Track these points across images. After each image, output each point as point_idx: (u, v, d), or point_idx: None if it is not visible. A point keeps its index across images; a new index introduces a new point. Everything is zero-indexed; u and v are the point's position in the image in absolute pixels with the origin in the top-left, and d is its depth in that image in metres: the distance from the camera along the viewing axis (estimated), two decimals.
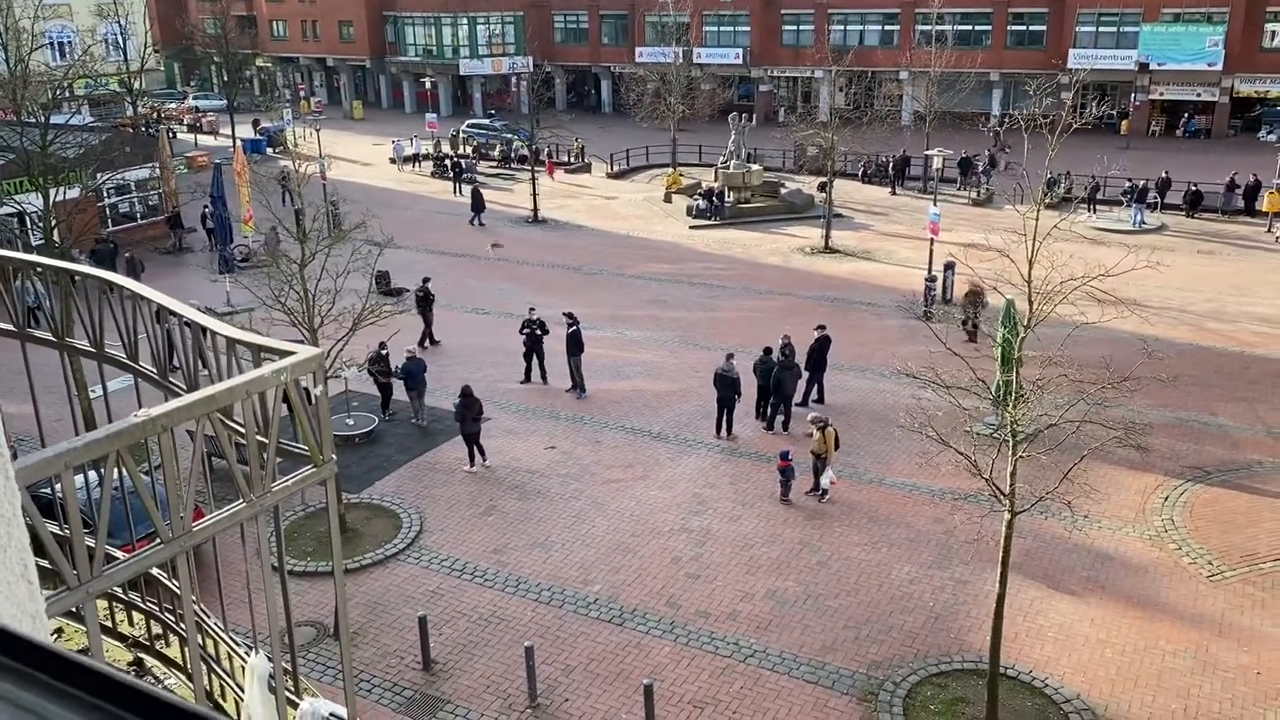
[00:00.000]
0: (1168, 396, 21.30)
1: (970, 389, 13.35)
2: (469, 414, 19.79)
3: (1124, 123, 53.93)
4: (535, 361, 24.19)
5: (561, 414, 22.65)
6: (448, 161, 50.03)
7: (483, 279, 32.05)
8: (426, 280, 27.11)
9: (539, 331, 23.87)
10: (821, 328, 22.81)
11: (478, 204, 40.48)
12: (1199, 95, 54.56)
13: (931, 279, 28.82)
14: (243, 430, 4.44)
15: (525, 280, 32.53)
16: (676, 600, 15.74)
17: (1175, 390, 21.48)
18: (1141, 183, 37.85)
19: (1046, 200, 14.31)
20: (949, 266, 28.57)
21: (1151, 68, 53.79)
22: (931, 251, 29.21)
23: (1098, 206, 38.83)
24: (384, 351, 21.84)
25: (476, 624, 15.35)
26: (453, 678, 14.16)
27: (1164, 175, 39.36)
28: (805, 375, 22.17)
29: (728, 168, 41.38)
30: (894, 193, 44.41)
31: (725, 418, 21.14)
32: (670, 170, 47.08)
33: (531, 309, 24.62)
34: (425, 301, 26.65)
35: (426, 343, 26.17)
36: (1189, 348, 25.39)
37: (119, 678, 1.03)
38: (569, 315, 23.68)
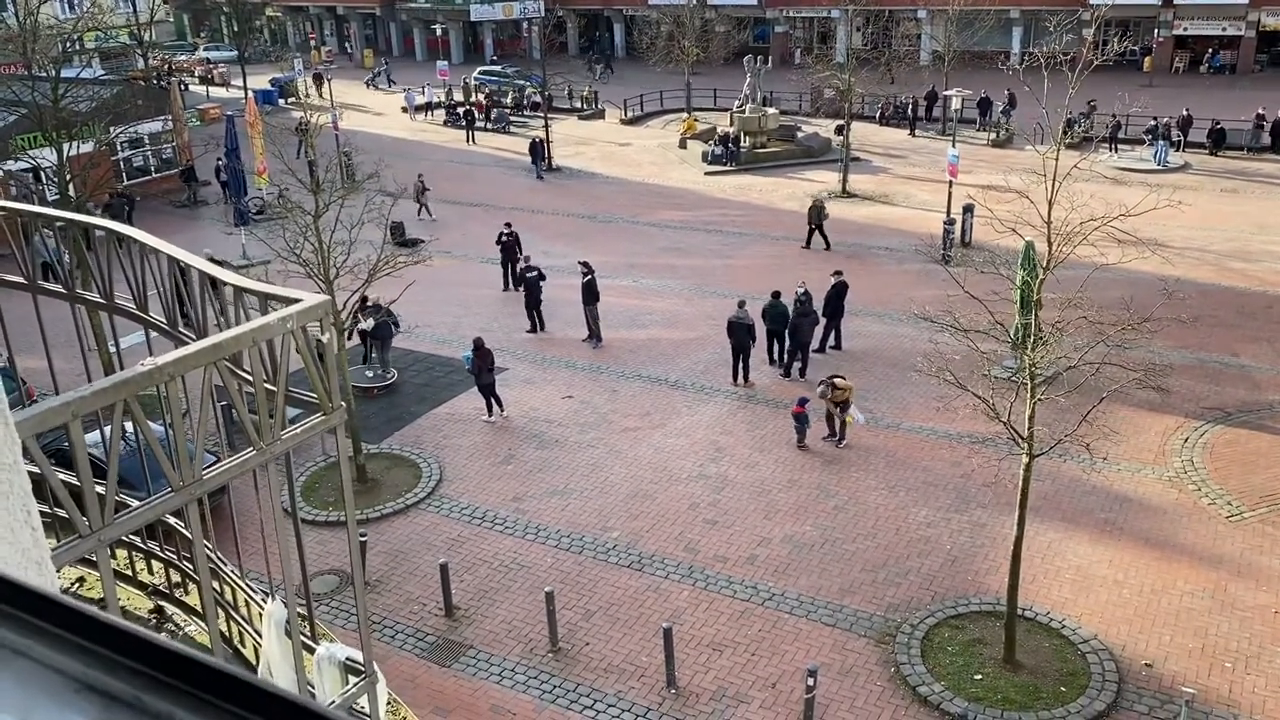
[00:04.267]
0: (1189, 337, 21.12)
1: (988, 332, 13.25)
2: (483, 365, 19.82)
3: (1147, 59, 52.81)
4: (536, 312, 24.38)
5: (578, 363, 22.67)
6: (459, 110, 49.53)
7: (497, 228, 31.86)
8: (508, 225, 27.85)
9: (529, 277, 24.08)
10: (839, 273, 22.65)
11: (537, 154, 39.77)
12: (1224, 30, 53.29)
13: (950, 222, 28.51)
14: (251, 378, 4.44)
15: (539, 229, 32.36)
16: (695, 545, 15.85)
17: (1196, 331, 21.29)
18: (1164, 120, 37.17)
19: (1066, 140, 14.06)
20: (968, 209, 28.26)
21: (1175, 2, 52.55)
22: (950, 194, 28.86)
23: (1119, 145, 38.20)
24: (367, 304, 21.14)
25: (497, 570, 15.52)
26: (474, 623, 14.35)
27: (1185, 113, 38.62)
28: (823, 321, 22.07)
29: (743, 112, 40.86)
30: (913, 134, 43.82)
31: (741, 365, 21.11)
32: (685, 115, 46.55)
33: (527, 257, 24.88)
34: (508, 247, 27.25)
35: (509, 287, 27.10)
36: (1211, 288, 25.09)
37: (103, 617, 1.02)
38: (584, 264, 23.62)
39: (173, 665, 0.97)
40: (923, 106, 44.67)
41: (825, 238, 29.60)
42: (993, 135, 41.45)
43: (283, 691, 0.95)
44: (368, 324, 21.05)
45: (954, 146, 29.50)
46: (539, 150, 39.75)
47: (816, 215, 29.64)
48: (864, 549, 15.61)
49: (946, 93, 33.86)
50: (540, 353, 23.28)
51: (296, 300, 4.34)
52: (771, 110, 42.08)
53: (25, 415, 3.46)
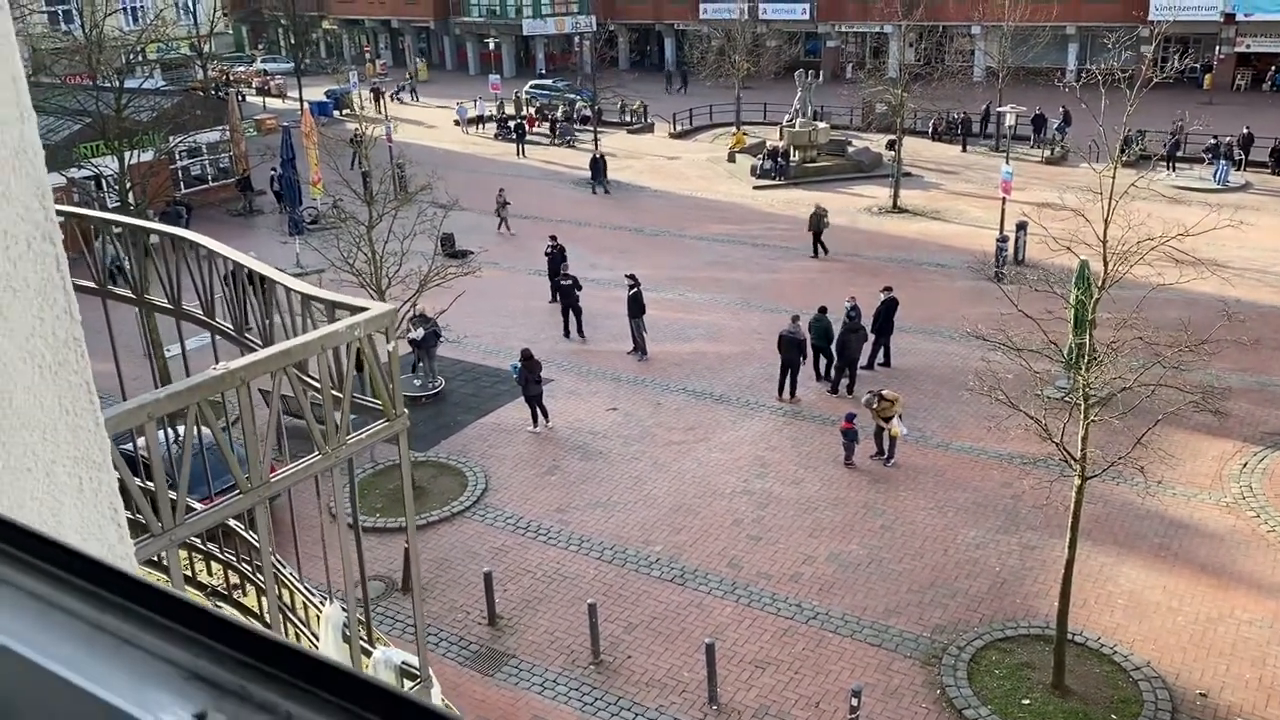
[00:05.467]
0: (1248, 360, 20.68)
1: (1041, 352, 13.10)
2: (530, 376, 19.94)
3: (1207, 77, 51.93)
4: (573, 317, 24.73)
5: (623, 376, 22.72)
6: (510, 124, 49.94)
7: (546, 241, 32.08)
8: (554, 238, 27.83)
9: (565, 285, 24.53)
10: (888, 289, 22.50)
11: (598, 171, 39.61)
12: None
13: (1003, 239, 28.21)
14: (318, 385, 4.52)
15: (587, 241, 32.50)
16: (738, 561, 15.79)
17: (1256, 354, 20.84)
18: (1226, 139, 36.49)
19: (1124, 158, 13.88)
20: (1021, 226, 27.94)
21: (1238, 18, 51.65)
22: (1003, 211, 28.56)
23: (1178, 164, 37.56)
24: (415, 315, 21.37)
25: (540, 581, 15.57)
26: (517, 633, 14.41)
27: (1246, 131, 37.90)
28: (871, 338, 21.92)
29: (793, 126, 40.78)
30: (965, 150, 43.46)
31: (789, 380, 21.02)
32: (734, 130, 46.56)
33: (565, 266, 25.32)
34: (556, 259, 27.15)
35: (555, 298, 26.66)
36: (1272, 310, 24.54)
37: (209, 610, 1.05)
38: (631, 277, 23.71)
39: (275, 656, 1.01)
40: (976, 122, 44.27)
41: (823, 246, 30.20)
42: (1047, 152, 40.99)
43: (384, 684, 0.98)
44: (417, 334, 21.29)
45: (1007, 163, 29.22)
46: (599, 166, 39.75)
47: (817, 223, 30.14)
48: (911, 569, 15.44)
49: (1000, 108, 33.53)
50: (585, 365, 23.37)
51: (363, 309, 4.43)
52: (822, 125, 41.95)
53: (104, 417, 3.55)
